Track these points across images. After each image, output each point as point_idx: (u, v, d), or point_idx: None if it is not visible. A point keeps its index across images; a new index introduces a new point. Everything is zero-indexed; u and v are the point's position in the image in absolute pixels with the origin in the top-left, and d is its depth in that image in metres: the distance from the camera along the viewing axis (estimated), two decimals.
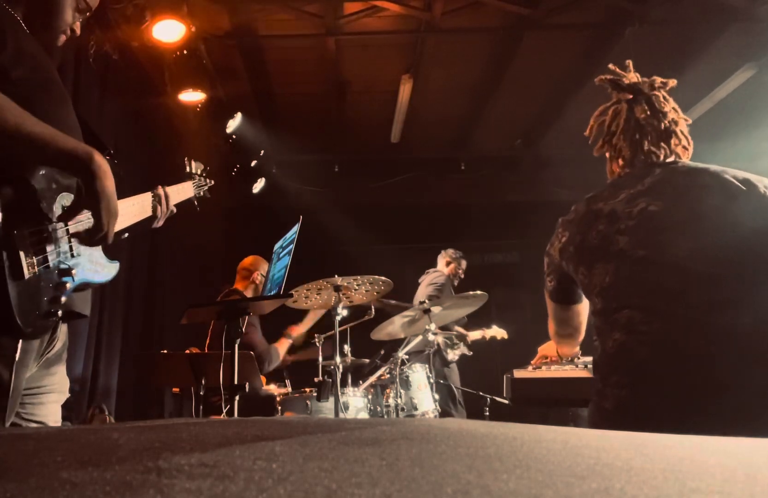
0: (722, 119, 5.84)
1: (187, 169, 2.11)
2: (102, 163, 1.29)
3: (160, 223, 1.83)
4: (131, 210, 1.68)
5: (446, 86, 6.02)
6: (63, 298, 1.31)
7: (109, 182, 1.30)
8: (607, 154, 1.69)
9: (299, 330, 3.88)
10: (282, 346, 3.83)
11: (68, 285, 1.33)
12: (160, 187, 1.82)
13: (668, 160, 1.56)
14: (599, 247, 1.48)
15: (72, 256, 1.37)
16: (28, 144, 1.21)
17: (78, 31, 1.56)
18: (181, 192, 1.97)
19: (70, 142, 1.27)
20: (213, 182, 2.23)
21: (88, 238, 1.34)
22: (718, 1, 4.67)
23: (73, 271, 1.35)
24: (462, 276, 5.52)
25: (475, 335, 5.28)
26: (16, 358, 1.28)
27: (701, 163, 1.51)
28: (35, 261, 1.24)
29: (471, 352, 5.19)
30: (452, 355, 4.99)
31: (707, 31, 5.05)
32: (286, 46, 5.38)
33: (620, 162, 1.64)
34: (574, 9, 4.84)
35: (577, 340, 1.85)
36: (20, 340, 1.28)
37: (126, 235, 1.69)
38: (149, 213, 1.76)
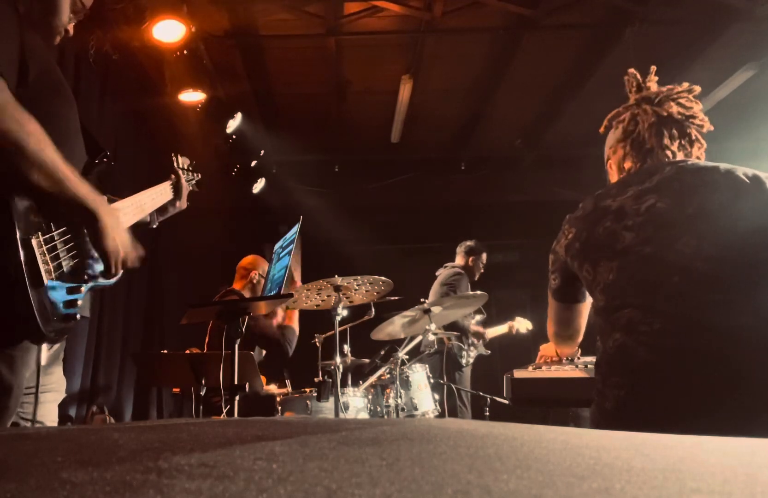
0: (722, 119, 5.82)
1: (175, 165, 2.15)
2: (104, 215, 1.32)
3: (185, 203, 1.95)
4: (163, 194, 1.83)
5: (446, 86, 6.02)
6: (79, 302, 1.33)
7: (110, 233, 1.34)
8: (617, 155, 1.68)
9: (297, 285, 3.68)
10: (293, 321, 3.72)
11: (83, 289, 1.34)
12: (173, 174, 1.95)
13: (678, 158, 1.55)
14: (605, 244, 1.48)
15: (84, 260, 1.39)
16: (52, 183, 1.22)
17: (71, 32, 1.56)
18: None
19: (83, 189, 1.29)
20: (200, 176, 2.26)
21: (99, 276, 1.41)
22: (718, 1, 4.67)
23: (86, 275, 1.37)
24: (482, 269, 5.30)
25: (499, 330, 5.14)
26: (40, 360, 1.31)
27: (711, 161, 1.51)
28: (52, 267, 1.25)
29: (489, 352, 5.09)
30: (467, 358, 4.89)
31: (707, 32, 5.05)
32: (286, 46, 5.38)
33: (632, 160, 1.62)
34: (574, 9, 4.84)
35: (576, 342, 1.84)
36: (44, 344, 1.30)
37: (152, 223, 1.76)
38: (171, 195, 1.89)
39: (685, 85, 1.63)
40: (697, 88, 1.62)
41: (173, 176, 1.91)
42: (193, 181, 2.22)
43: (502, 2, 4.71)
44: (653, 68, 1.69)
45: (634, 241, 1.43)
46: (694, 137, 1.59)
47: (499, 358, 6.30)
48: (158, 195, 1.83)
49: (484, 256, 5.33)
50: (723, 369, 1.26)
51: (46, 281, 1.23)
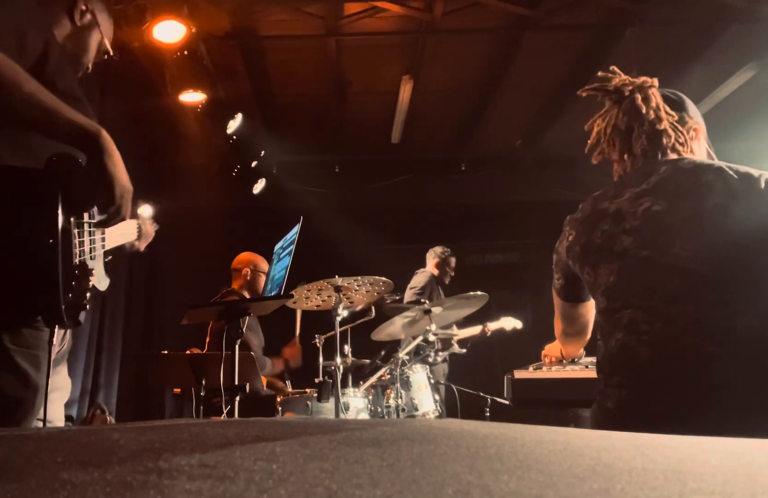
0: (722, 119, 5.83)
1: (138, 211, 2.17)
2: (109, 140, 1.30)
3: (143, 247, 1.97)
4: (133, 230, 1.83)
5: (446, 86, 6.01)
6: (88, 294, 1.33)
7: (117, 159, 1.31)
8: (611, 159, 1.68)
9: (293, 352, 3.98)
10: (277, 364, 3.93)
11: (92, 280, 1.35)
12: (143, 216, 1.98)
13: (672, 157, 1.55)
14: (604, 247, 1.48)
15: (91, 258, 1.40)
16: (41, 113, 1.21)
17: (90, 69, 1.69)
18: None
19: (79, 116, 1.28)
20: (159, 226, 2.27)
21: (106, 220, 1.34)
22: (719, 1, 4.67)
23: (93, 270, 1.37)
24: (452, 273, 5.48)
25: (469, 332, 5.06)
26: (50, 351, 1.31)
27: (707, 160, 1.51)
28: (78, 252, 1.28)
29: (464, 351, 5.04)
30: (434, 357, 4.82)
31: (708, 32, 5.04)
32: (287, 46, 5.38)
33: (618, 164, 1.62)
34: (575, 9, 4.84)
35: (584, 340, 1.83)
36: (55, 330, 1.31)
37: (109, 257, 1.73)
38: (135, 237, 1.89)
39: (643, 78, 1.60)
40: (655, 81, 1.59)
41: (139, 223, 1.93)
42: (156, 228, 2.24)
43: (502, 2, 4.70)
44: (612, 68, 1.66)
45: (632, 244, 1.43)
46: (662, 128, 1.53)
47: (500, 358, 6.31)
48: (132, 228, 1.88)
49: (452, 260, 5.53)
50: (723, 369, 1.26)
51: (75, 263, 1.25)
